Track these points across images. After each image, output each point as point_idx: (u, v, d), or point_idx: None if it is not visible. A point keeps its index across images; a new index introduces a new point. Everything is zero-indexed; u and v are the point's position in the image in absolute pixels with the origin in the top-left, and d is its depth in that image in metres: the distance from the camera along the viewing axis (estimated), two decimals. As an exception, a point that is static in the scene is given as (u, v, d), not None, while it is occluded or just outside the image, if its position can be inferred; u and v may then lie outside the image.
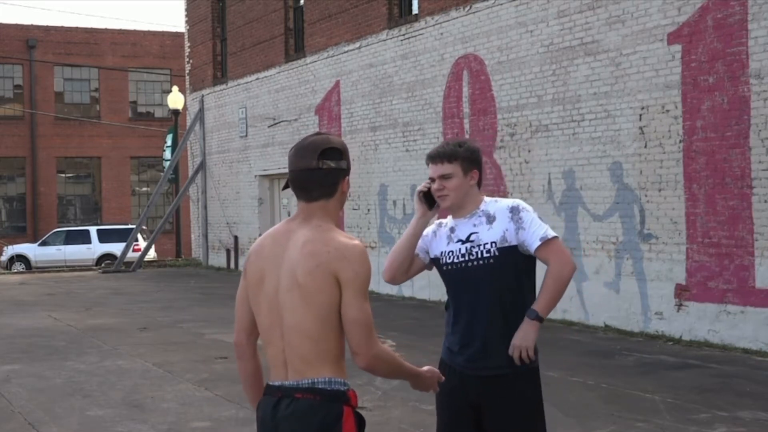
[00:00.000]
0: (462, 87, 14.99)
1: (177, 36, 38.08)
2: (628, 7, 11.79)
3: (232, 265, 23.73)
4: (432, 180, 3.80)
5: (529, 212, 3.72)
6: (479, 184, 3.84)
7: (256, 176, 22.46)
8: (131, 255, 26.03)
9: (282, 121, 20.95)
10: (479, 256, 3.71)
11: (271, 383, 3.19)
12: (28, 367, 9.98)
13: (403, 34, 16.53)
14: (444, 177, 3.76)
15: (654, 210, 11.51)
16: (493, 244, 3.69)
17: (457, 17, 15.09)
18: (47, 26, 38.17)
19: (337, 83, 18.65)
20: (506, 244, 3.70)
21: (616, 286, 11.99)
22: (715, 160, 10.68)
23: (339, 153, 3.20)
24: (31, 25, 38.03)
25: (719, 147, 10.64)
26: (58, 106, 37.93)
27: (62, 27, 38.46)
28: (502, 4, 14.05)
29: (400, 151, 16.67)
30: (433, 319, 13.12)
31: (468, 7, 14.79)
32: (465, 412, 3.73)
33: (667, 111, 11.29)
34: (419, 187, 3.87)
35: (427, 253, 3.89)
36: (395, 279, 3.91)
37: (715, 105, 10.68)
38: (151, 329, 12.80)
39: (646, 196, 11.62)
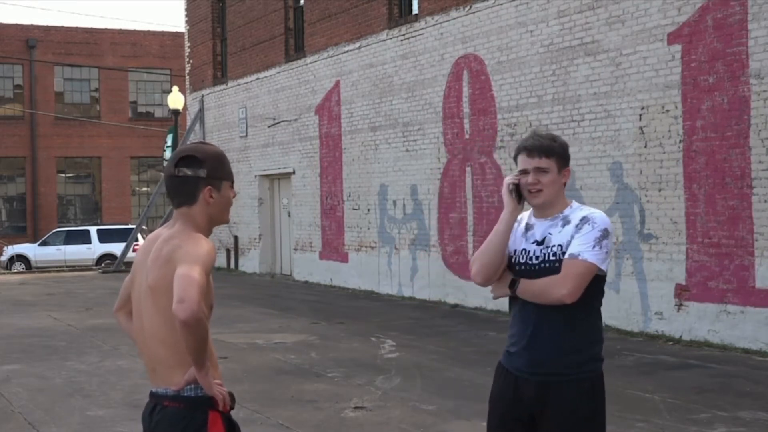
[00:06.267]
0: (462, 87, 14.99)
1: (177, 36, 38.09)
2: (628, 7, 11.79)
3: (232, 265, 23.74)
4: (524, 172, 3.55)
5: (593, 226, 3.48)
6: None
7: (256, 176, 22.46)
8: (131, 255, 26.02)
9: (282, 121, 20.95)
10: (549, 258, 3.51)
11: (151, 389, 3.25)
12: (28, 367, 9.98)
13: (403, 34, 16.53)
14: (540, 170, 3.52)
15: (654, 210, 11.51)
16: (560, 247, 3.50)
17: (457, 17, 15.09)
18: (47, 26, 38.17)
19: (337, 83, 18.65)
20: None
21: (616, 286, 11.98)
22: (715, 160, 10.69)
23: (197, 161, 3.19)
24: (31, 25, 38.04)
25: (719, 147, 10.64)
26: (58, 106, 37.93)
27: (62, 27, 38.46)
28: (502, 4, 14.05)
29: (400, 151, 16.67)
30: (433, 319, 13.10)
31: (468, 7, 14.79)
32: (518, 419, 3.56)
33: (667, 111, 11.29)
34: (508, 179, 3.58)
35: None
36: (491, 280, 3.60)
37: (715, 105, 10.68)
38: (151, 329, 12.78)
39: (646, 196, 11.62)
